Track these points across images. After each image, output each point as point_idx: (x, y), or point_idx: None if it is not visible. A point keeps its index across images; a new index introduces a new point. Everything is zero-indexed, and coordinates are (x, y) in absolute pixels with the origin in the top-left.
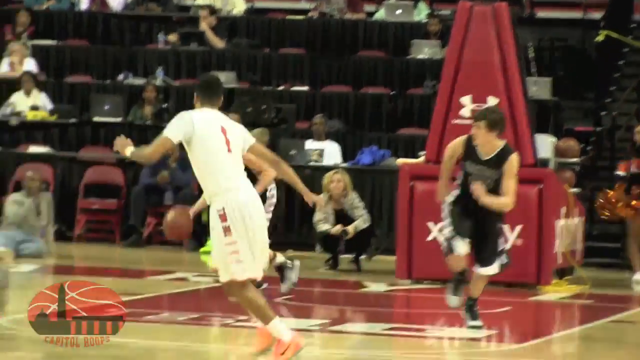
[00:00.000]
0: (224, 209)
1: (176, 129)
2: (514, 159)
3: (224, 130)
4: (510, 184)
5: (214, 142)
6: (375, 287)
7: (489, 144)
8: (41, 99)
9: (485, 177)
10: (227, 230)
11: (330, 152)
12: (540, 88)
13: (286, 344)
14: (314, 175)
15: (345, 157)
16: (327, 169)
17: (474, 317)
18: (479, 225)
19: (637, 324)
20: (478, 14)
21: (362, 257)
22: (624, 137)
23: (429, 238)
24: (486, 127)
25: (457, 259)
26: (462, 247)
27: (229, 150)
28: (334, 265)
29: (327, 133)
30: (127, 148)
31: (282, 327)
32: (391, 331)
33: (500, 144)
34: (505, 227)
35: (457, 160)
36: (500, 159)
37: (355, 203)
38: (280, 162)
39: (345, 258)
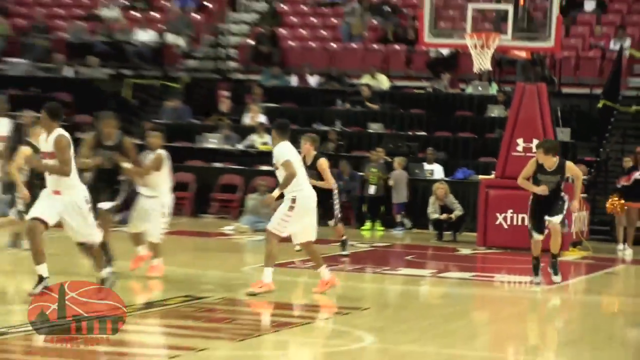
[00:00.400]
0: (295, 198)
1: (291, 156)
2: (569, 163)
3: (296, 154)
4: (578, 175)
5: (295, 160)
6: (464, 251)
7: (548, 161)
8: (268, 138)
9: (550, 182)
10: (291, 208)
11: (438, 171)
12: (563, 134)
13: (264, 284)
14: (427, 185)
15: (447, 174)
16: (436, 181)
17: (555, 272)
18: (549, 203)
19: (619, 274)
20: (528, 90)
21: (457, 233)
22: (614, 164)
23: (497, 222)
24: (543, 152)
25: (535, 242)
26: (538, 236)
27: (301, 166)
28: (440, 238)
29: (436, 159)
30: (271, 197)
31: (269, 274)
32: (473, 277)
33: (556, 159)
34: None
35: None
36: (559, 168)
37: (452, 200)
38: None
39: (447, 234)
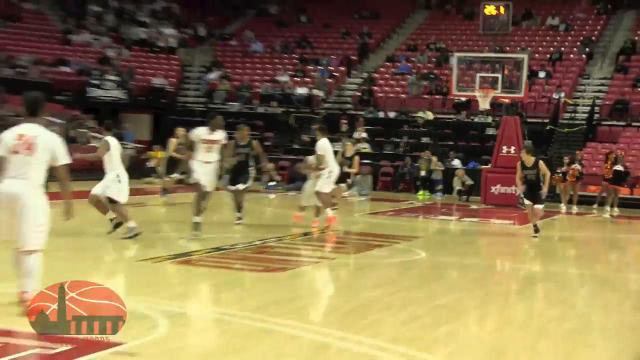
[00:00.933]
0: (331, 172)
1: (326, 150)
2: (541, 162)
3: (331, 148)
4: (546, 171)
5: (328, 153)
6: (474, 206)
7: (528, 159)
8: (367, 145)
9: (531, 174)
10: (329, 177)
11: (458, 163)
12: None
13: (331, 219)
14: (453, 170)
15: (464, 164)
16: (457, 168)
17: (536, 232)
18: (534, 190)
19: (560, 219)
20: (509, 120)
21: (469, 196)
22: (555, 161)
23: (491, 191)
24: (525, 152)
25: (527, 206)
26: (527, 203)
27: (333, 156)
28: (460, 199)
29: (457, 157)
30: (310, 165)
31: (331, 212)
32: (479, 221)
33: (533, 158)
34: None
35: (521, 169)
36: (535, 164)
37: (467, 179)
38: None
39: (464, 197)
